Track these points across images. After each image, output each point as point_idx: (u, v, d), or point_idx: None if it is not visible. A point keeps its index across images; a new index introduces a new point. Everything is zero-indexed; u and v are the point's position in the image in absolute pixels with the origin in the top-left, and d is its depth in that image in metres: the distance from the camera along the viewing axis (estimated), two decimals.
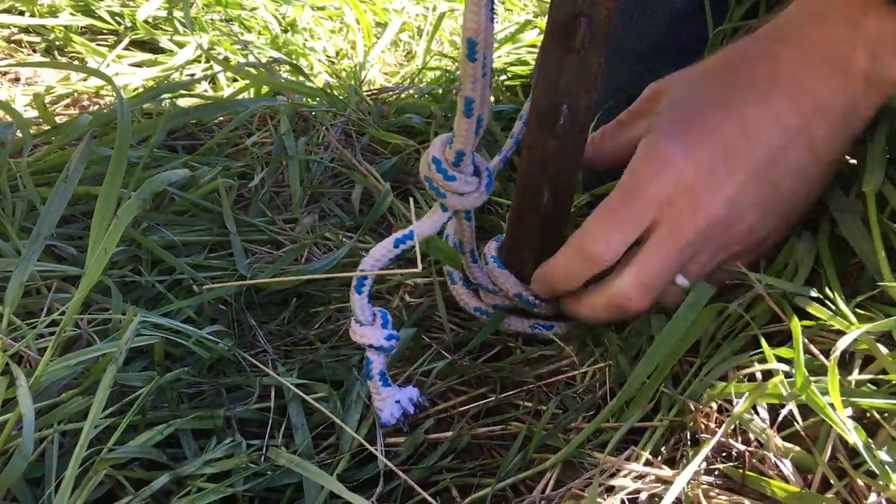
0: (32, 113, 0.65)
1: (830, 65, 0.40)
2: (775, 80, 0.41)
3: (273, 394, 0.46)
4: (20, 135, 0.55)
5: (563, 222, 0.49)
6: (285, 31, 0.87)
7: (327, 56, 0.85)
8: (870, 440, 0.34)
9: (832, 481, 0.35)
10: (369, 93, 0.79)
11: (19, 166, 0.53)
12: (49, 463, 0.38)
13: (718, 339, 0.44)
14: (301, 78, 0.73)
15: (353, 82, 0.76)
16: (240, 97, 0.67)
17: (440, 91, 0.76)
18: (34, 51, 0.74)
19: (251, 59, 0.74)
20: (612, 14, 0.42)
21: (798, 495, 0.34)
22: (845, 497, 0.34)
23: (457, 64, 0.86)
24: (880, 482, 0.33)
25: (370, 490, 0.41)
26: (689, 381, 0.42)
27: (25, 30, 0.74)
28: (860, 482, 0.34)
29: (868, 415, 0.37)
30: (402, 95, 0.77)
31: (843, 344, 0.35)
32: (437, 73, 0.82)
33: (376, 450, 0.42)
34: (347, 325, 0.53)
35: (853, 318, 0.39)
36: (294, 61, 0.79)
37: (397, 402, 0.44)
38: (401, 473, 0.40)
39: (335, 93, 0.75)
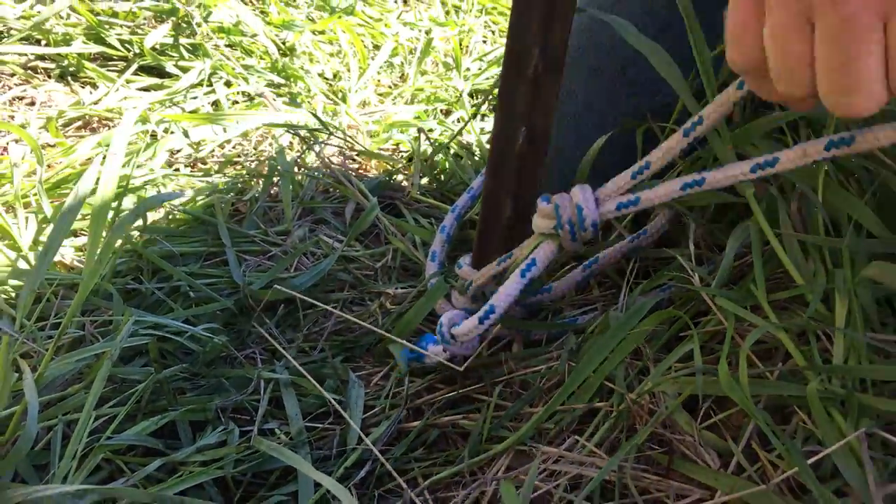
0: (47, 135, 0.70)
1: None
2: None
3: (262, 386, 0.51)
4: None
5: (528, 233, 0.53)
6: (284, 56, 0.92)
7: (324, 79, 0.91)
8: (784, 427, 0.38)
9: (744, 465, 0.38)
10: (363, 113, 0.84)
11: (34, 185, 0.58)
12: (54, 448, 0.43)
13: (672, 343, 0.48)
14: (299, 100, 0.78)
15: (345, 103, 0.80)
16: (237, 119, 0.72)
17: (426, 111, 0.81)
18: (49, 76, 0.79)
19: (252, 82, 0.79)
20: (566, 44, 0.47)
21: (715, 476, 0.38)
22: (755, 479, 0.38)
23: (444, 84, 0.91)
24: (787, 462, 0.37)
25: (350, 476, 0.46)
26: (633, 379, 0.46)
27: (41, 57, 0.80)
28: (769, 464, 0.38)
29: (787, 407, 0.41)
30: (393, 114, 0.82)
31: (752, 338, 0.39)
32: (427, 92, 0.87)
33: (367, 439, 0.46)
34: (329, 329, 0.58)
35: (757, 320, 0.42)
36: (292, 84, 0.85)
37: None
38: (384, 461, 0.45)
39: (329, 113, 0.80)
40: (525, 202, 0.52)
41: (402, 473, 0.46)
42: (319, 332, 0.58)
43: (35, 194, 0.58)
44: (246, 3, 1.00)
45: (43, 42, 0.80)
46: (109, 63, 0.83)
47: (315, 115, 0.74)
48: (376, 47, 1.01)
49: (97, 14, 0.86)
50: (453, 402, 0.51)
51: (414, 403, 0.52)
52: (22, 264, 0.54)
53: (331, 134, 0.73)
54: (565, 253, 0.50)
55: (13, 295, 0.52)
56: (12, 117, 0.72)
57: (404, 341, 0.53)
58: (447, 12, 1.09)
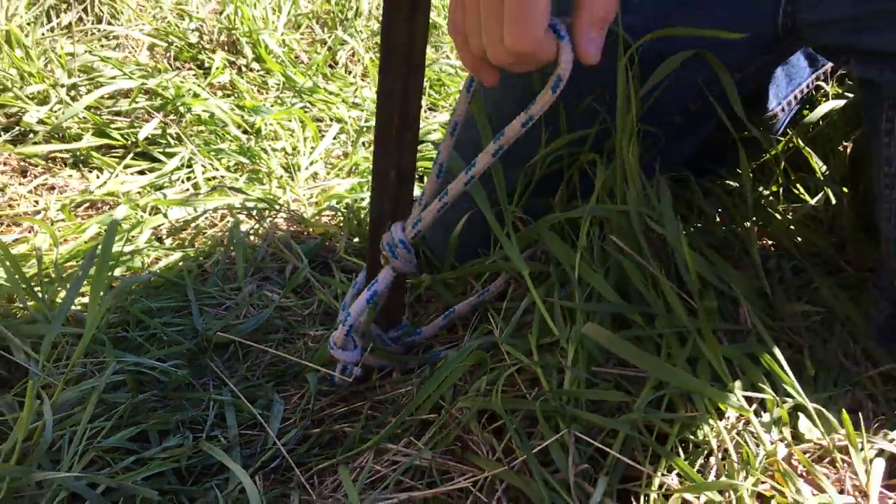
0: (61, 216, 0.93)
1: None
2: None
3: (211, 405, 0.73)
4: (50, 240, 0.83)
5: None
6: (255, 134, 1.14)
7: (284, 153, 1.13)
8: (531, 430, 0.59)
9: (501, 455, 0.59)
10: (312, 185, 1.06)
11: (52, 260, 0.81)
12: (63, 449, 0.64)
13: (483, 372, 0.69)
14: (260, 176, 1.00)
15: (292, 181, 1.02)
16: (205, 202, 0.95)
17: (359, 183, 1.03)
18: (65, 165, 1.02)
19: (220, 165, 1.01)
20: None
21: (486, 462, 0.59)
22: (505, 463, 0.59)
23: None
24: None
25: (265, 467, 0.67)
26: (452, 398, 0.67)
27: (60, 151, 1.03)
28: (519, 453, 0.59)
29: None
30: (333, 187, 1.04)
31: (509, 370, 0.60)
32: (364, 166, 1.09)
33: (279, 442, 0.67)
34: (266, 362, 0.80)
35: (523, 359, 0.63)
36: (256, 162, 1.07)
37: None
38: (286, 454, 0.66)
39: (284, 186, 1.03)
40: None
41: (302, 465, 0.67)
42: (258, 364, 0.80)
43: (53, 267, 0.80)
44: (226, 91, 1.23)
45: (60, 136, 1.03)
46: (112, 151, 1.06)
47: (265, 197, 0.96)
48: (336, 119, 1.23)
49: (105, 108, 1.10)
50: (344, 414, 0.73)
51: (318, 416, 0.73)
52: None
53: (279, 209, 0.95)
54: (401, 273, 0.69)
55: (37, 343, 0.74)
56: (37, 202, 0.95)
57: (319, 367, 0.74)
58: None
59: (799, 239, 0.80)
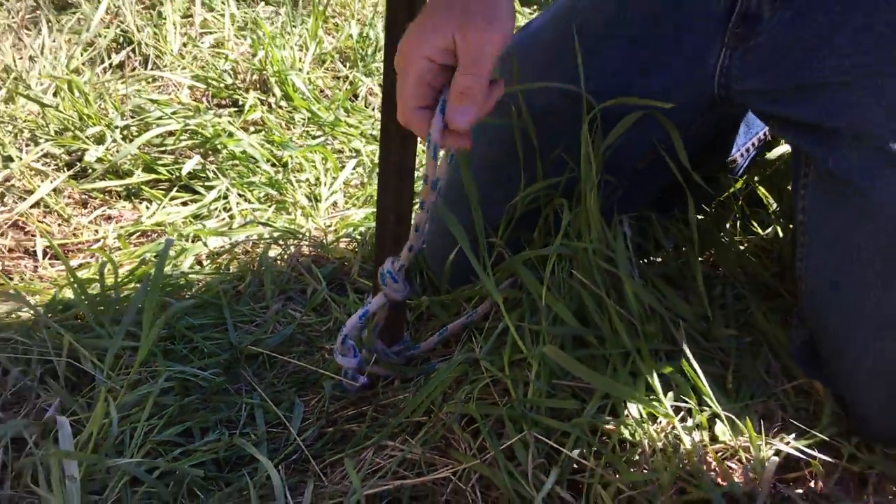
0: (118, 244, 1.09)
1: None
2: None
3: (243, 407, 0.87)
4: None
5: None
6: (283, 166, 1.30)
7: (308, 184, 1.28)
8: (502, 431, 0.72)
9: (476, 451, 0.73)
10: (332, 214, 1.20)
11: (112, 282, 0.96)
12: (125, 442, 0.79)
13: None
14: (283, 213, 1.15)
15: (314, 211, 1.17)
16: (239, 232, 1.10)
17: (373, 213, 1.17)
18: (120, 197, 1.18)
19: (252, 198, 1.16)
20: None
21: (464, 456, 0.73)
22: (477, 457, 0.73)
23: None
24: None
25: (287, 458, 0.81)
26: (441, 404, 0.81)
27: (115, 186, 1.19)
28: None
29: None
30: (350, 216, 1.19)
31: (482, 381, 0.74)
32: None
33: (299, 438, 0.82)
34: (289, 371, 0.94)
35: (497, 374, 0.76)
36: (284, 193, 1.22)
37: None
38: (304, 448, 0.81)
39: (307, 216, 1.17)
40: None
41: (317, 458, 0.82)
42: (283, 373, 0.94)
43: (112, 290, 0.96)
44: (258, 127, 1.39)
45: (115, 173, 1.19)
46: (159, 184, 1.22)
47: (290, 227, 1.11)
48: (354, 151, 1.38)
49: (153, 145, 1.26)
50: (353, 415, 0.87)
51: (332, 417, 0.87)
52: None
53: (302, 238, 1.10)
54: (392, 299, 0.83)
55: (102, 354, 0.89)
56: (97, 231, 1.11)
57: (333, 375, 0.89)
58: None
59: (747, 268, 0.93)
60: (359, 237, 1.13)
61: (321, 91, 1.56)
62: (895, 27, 0.71)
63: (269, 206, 1.20)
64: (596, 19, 0.88)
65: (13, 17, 1.76)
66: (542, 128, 0.88)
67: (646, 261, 0.91)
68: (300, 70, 1.50)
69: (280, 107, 1.43)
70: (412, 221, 0.76)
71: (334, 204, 1.23)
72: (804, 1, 0.76)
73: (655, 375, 0.72)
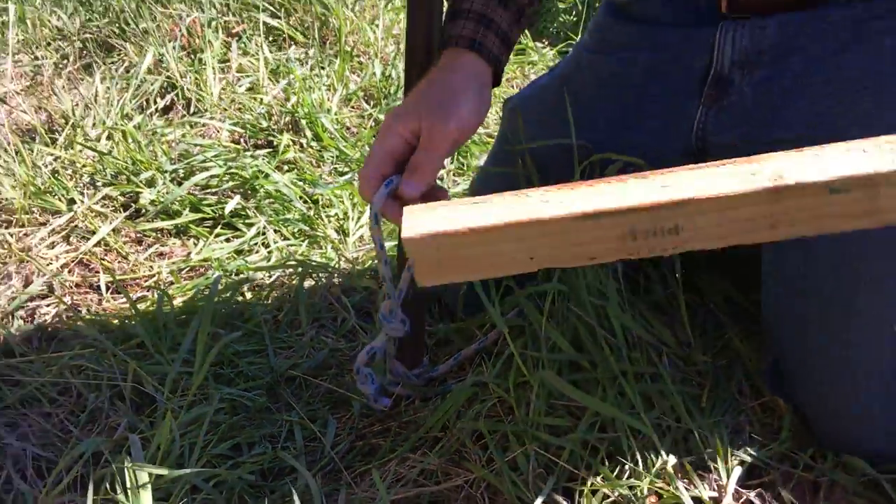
0: (171, 279, 1.23)
1: None
2: None
3: (283, 425, 1.00)
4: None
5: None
6: (314, 202, 1.43)
7: (337, 219, 1.41)
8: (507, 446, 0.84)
9: (483, 463, 0.85)
10: (360, 247, 1.33)
11: (167, 316, 1.10)
12: (185, 455, 0.92)
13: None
14: (315, 247, 1.29)
15: (343, 245, 1.30)
16: (277, 267, 1.23)
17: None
18: (170, 235, 1.33)
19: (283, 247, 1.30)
20: None
21: (476, 467, 0.85)
22: (485, 467, 0.85)
23: None
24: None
25: (323, 468, 0.94)
26: (455, 421, 0.93)
27: (167, 225, 1.34)
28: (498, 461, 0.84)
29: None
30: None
31: (489, 402, 0.85)
32: None
33: (332, 451, 0.95)
34: (322, 390, 1.07)
35: (502, 395, 0.88)
36: (316, 228, 1.35)
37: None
38: (337, 461, 0.93)
39: (337, 248, 1.30)
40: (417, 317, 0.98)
41: (349, 468, 0.94)
42: (317, 393, 1.07)
43: (168, 320, 1.10)
44: (291, 165, 1.52)
45: (165, 210, 1.34)
46: (204, 222, 1.36)
47: (322, 261, 1.24)
48: None
49: (198, 186, 1.40)
50: (380, 431, 0.99)
51: (361, 432, 1.00)
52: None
53: (333, 271, 1.23)
54: (393, 336, 0.94)
55: (162, 378, 1.03)
56: (151, 267, 1.25)
57: (360, 397, 1.01)
58: None
59: (730, 295, 1.04)
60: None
61: (348, 128, 1.69)
62: (852, 85, 0.82)
63: (303, 241, 1.33)
64: (591, 81, 1.01)
65: (68, 66, 1.93)
66: (543, 174, 1.00)
67: (641, 287, 1.03)
68: (328, 111, 1.64)
69: (311, 146, 1.56)
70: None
71: (360, 238, 1.36)
72: (771, 66, 0.87)
73: (639, 396, 0.83)
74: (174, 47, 1.82)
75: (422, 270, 0.56)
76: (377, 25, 2.03)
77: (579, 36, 2.04)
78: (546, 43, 2.11)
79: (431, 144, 0.73)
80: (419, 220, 0.55)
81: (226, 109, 1.66)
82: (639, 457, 0.79)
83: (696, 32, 0.92)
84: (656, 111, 0.95)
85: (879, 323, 0.76)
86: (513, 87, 1.94)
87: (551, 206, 0.54)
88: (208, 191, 1.41)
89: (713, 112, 0.91)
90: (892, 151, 0.53)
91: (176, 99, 1.71)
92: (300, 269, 1.21)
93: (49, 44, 2.13)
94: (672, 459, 0.78)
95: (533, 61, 2.02)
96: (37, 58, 2.06)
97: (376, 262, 0.86)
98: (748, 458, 0.78)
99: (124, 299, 1.18)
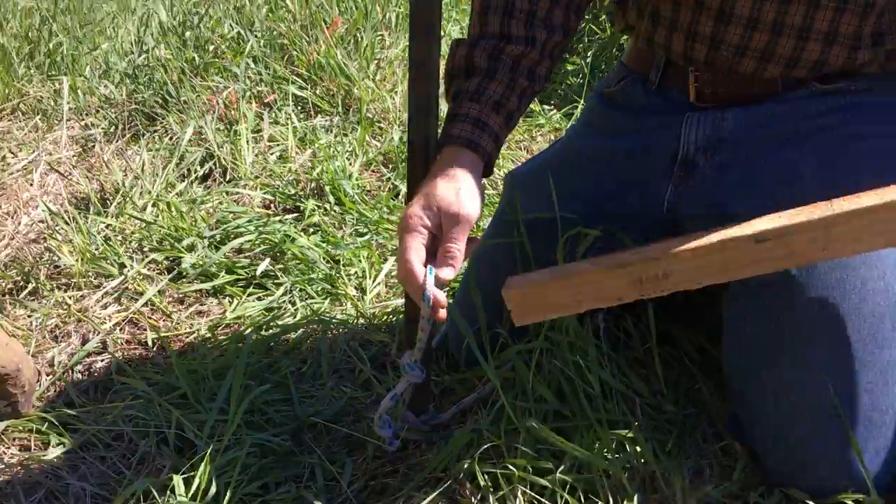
0: (209, 335, 1.38)
1: None
2: None
3: (306, 465, 1.14)
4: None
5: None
6: (337, 262, 1.58)
7: (356, 276, 1.56)
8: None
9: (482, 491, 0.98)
10: (377, 303, 1.48)
11: (205, 370, 1.25)
12: (220, 493, 1.06)
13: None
14: (336, 304, 1.43)
15: (361, 302, 1.45)
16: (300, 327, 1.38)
17: None
18: (208, 295, 1.49)
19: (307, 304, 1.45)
20: None
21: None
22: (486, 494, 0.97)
23: None
24: None
25: None
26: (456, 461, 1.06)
27: (205, 286, 1.50)
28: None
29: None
30: (391, 305, 1.46)
31: (483, 446, 0.98)
32: None
33: (348, 489, 1.08)
34: (342, 435, 1.21)
35: (495, 437, 1.01)
36: (337, 286, 1.50)
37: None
38: (351, 497, 1.06)
39: (355, 305, 1.45)
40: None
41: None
42: (336, 438, 1.21)
43: (206, 378, 1.25)
44: (315, 228, 1.69)
45: (204, 272, 1.50)
46: (238, 282, 1.52)
47: (343, 318, 1.39)
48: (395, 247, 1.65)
49: (233, 249, 1.57)
50: (390, 472, 1.12)
51: (374, 473, 1.13)
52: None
53: (351, 326, 1.38)
54: (413, 384, 1.08)
55: (201, 425, 1.17)
56: (191, 325, 1.41)
57: (373, 440, 1.15)
58: None
59: (703, 347, 1.16)
60: (397, 324, 1.39)
61: (367, 191, 1.86)
62: (794, 167, 0.96)
63: (325, 299, 1.48)
64: (578, 160, 1.16)
65: (117, 134, 2.13)
66: (535, 240, 1.14)
67: (621, 343, 1.15)
68: (350, 176, 1.80)
69: (333, 210, 1.72)
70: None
71: (377, 295, 1.51)
72: (731, 151, 1.01)
73: (613, 441, 0.96)
74: (212, 119, 2.01)
75: (517, 313, 0.94)
76: (396, 93, 2.21)
77: (583, 100, 2.20)
78: (553, 105, 2.26)
79: (455, 236, 0.89)
80: (517, 282, 0.93)
81: (257, 177, 1.83)
82: (610, 497, 0.91)
83: (667, 120, 1.06)
84: (633, 188, 1.10)
85: (811, 369, 0.87)
86: (520, 148, 2.09)
87: (591, 264, 0.90)
88: (242, 254, 1.57)
89: (681, 189, 1.04)
90: (801, 213, 0.81)
91: (214, 167, 1.90)
92: (322, 326, 1.36)
93: (97, 111, 2.35)
94: (638, 498, 0.90)
95: (540, 124, 2.17)
96: (87, 126, 2.27)
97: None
98: (705, 497, 0.89)
99: (169, 355, 1.34)
